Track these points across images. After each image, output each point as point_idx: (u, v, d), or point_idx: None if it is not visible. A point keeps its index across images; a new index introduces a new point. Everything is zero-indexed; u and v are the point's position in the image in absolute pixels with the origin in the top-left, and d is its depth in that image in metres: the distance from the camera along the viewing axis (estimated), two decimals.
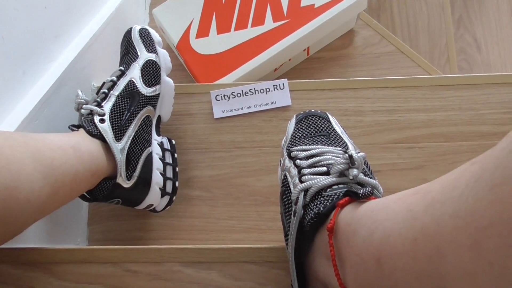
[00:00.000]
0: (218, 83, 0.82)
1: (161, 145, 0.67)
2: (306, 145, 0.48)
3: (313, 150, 0.45)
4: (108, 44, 0.78)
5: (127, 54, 0.67)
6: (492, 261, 0.21)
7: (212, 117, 0.74)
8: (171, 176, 0.67)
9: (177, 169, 0.69)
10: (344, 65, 0.96)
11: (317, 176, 0.42)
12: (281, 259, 0.49)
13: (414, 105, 0.72)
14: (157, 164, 0.64)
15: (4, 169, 0.40)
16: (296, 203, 0.41)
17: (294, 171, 0.45)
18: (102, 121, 0.58)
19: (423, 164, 0.70)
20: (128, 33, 0.68)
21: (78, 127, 0.59)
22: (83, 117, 0.60)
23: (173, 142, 0.69)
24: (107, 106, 0.60)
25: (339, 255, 0.35)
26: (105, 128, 0.57)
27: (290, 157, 0.47)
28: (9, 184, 0.40)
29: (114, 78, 0.63)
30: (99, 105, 0.60)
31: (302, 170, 0.44)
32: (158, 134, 0.67)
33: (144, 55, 0.66)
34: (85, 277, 0.49)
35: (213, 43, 0.86)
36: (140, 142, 0.61)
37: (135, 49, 0.67)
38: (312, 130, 0.50)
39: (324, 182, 0.40)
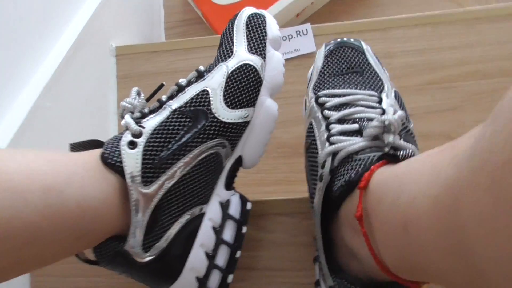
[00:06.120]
0: None
1: (225, 206, 0.42)
2: (336, 87, 0.44)
3: (344, 97, 0.42)
4: None
5: (220, 47, 0.45)
6: None
7: None
8: (223, 265, 0.41)
9: (237, 254, 0.42)
10: (371, 5, 0.91)
11: (347, 138, 0.38)
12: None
13: (448, 42, 0.68)
14: (204, 238, 0.40)
15: None
16: (323, 167, 0.38)
17: (323, 123, 0.41)
18: (132, 144, 0.37)
19: (459, 105, 0.67)
20: (234, 17, 0.46)
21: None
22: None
23: (249, 205, 0.44)
24: (151, 123, 0.38)
25: (366, 224, 0.33)
26: (131, 156, 0.36)
27: (318, 103, 0.44)
28: None
29: (183, 82, 0.42)
30: (140, 118, 0.39)
31: (331, 125, 0.40)
32: (229, 187, 0.43)
33: (241, 55, 0.42)
34: None
35: None
36: (186, 194, 0.39)
37: (231, 42, 0.44)
38: (343, 66, 0.46)
39: (355, 146, 0.37)
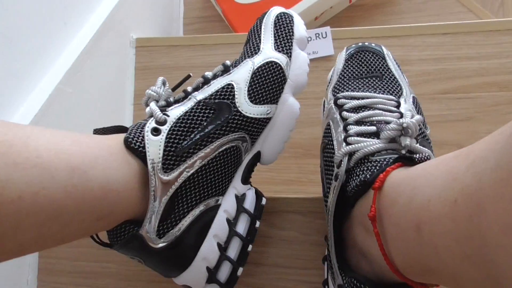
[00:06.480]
0: None
1: (240, 199, 0.42)
2: (355, 90, 0.45)
3: (363, 100, 0.42)
4: None
5: (247, 43, 0.46)
6: None
7: None
8: (234, 257, 0.41)
9: (249, 247, 0.42)
10: (389, 12, 0.91)
11: (364, 139, 0.38)
12: (324, 209, 0.48)
13: (466, 53, 0.68)
14: (218, 229, 0.40)
15: None
16: (338, 167, 0.38)
17: (340, 124, 0.42)
18: (155, 131, 0.37)
19: (473, 115, 0.66)
20: (262, 16, 0.46)
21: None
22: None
23: (264, 200, 0.44)
24: (175, 112, 0.39)
25: (378, 225, 0.33)
26: (154, 143, 0.37)
27: (337, 105, 0.44)
28: None
29: (209, 75, 0.42)
30: (165, 107, 0.40)
31: (349, 126, 0.41)
32: (245, 181, 0.43)
33: (267, 52, 0.43)
34: None
35: None
36: (204, 184, 0.39)
37: (259, 39, 0.44)
38: (363, 70, 0.46)
39: (372, 147, 0.37)
